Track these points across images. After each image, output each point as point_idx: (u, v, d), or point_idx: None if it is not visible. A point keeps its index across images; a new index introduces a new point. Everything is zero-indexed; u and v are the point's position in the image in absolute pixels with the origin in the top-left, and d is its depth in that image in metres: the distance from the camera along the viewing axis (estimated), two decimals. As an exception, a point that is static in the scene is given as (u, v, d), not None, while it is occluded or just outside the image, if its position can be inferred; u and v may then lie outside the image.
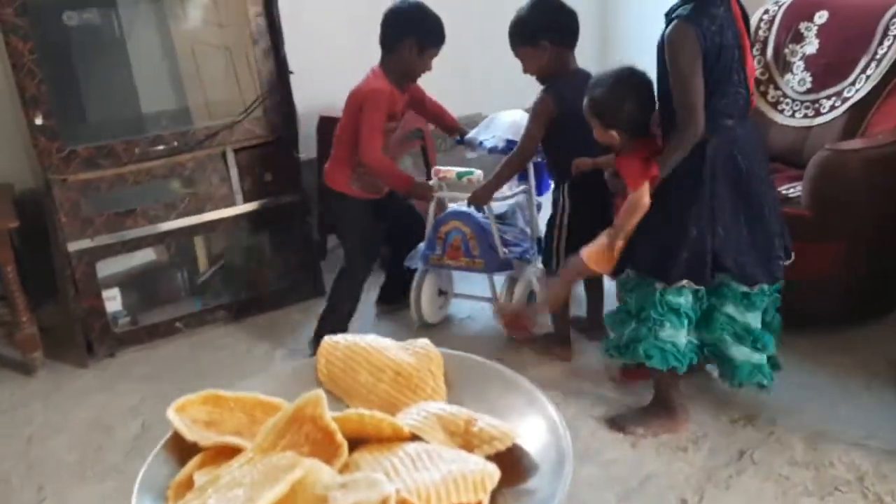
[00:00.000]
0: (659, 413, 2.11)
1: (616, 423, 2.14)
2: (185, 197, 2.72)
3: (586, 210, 2.29)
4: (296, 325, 2.90)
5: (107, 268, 2.69)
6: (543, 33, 2.22)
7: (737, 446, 2.04)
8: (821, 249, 2.38)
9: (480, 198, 2.43)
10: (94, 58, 2.72)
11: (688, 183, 1.88)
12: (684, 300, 1.94)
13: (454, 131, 2.76)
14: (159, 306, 2.88)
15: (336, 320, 2.59)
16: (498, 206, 2.57)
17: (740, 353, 2.01)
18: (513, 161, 2.35)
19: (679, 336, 1.96)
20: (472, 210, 2.52)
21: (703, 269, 1.89)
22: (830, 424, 2.10)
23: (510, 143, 2.45)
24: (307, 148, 3.46)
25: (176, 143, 2.61)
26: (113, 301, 2.73)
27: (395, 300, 2.87)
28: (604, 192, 2.19)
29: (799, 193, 2.40)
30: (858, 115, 2.66)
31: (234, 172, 2.76)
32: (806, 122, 2.81)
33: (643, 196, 1.87)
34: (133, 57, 2.84)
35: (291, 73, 2.74)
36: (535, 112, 2.26)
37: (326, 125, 3.29)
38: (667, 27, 1.84)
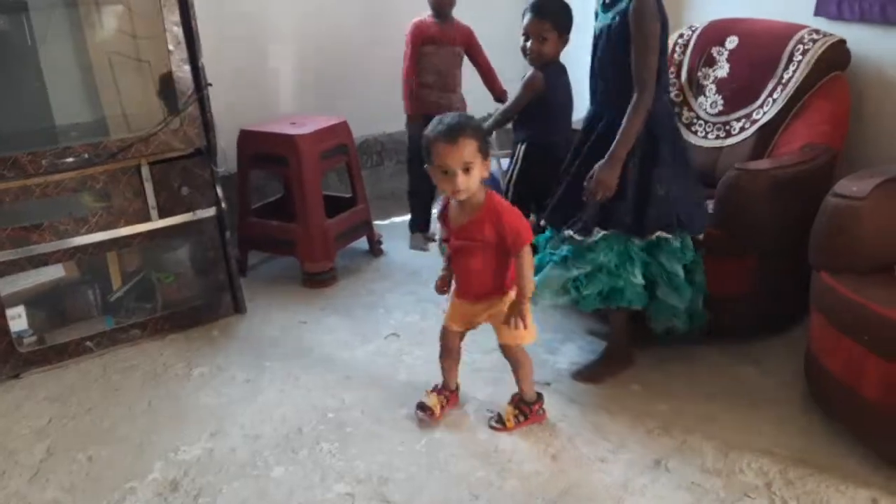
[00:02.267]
0: (616, 355, 2.50)
1: (583, 375, 2.48)
2: (98, 211, 2.62)
3: (535, 170, 2.78)
4: (214, 342, 2.82)
5: (11, 285, 2.56)
6: (570, 28, 2.68)
7: (652, 455, 2.09)
8: (733, 265, 2.49)
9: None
10: (2, 66, 2.60)
11: (646, 151, 2.20)
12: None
13: (495, 94, 3.55)
14: (68, 325, 2.76)
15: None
16: (507, 163, 3.01)
17: (665, 295, 2.33)
18: (498, 118, 2.91)
19: (640, 281, 2.30)
20: None
21: (671, 221, 2.24)
22: (740, 433, 2.18)
23: None
24: (228, 162, 3.42)
25: (87, 155, 2.51)
26: (17, 320, 2.59)
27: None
28: (553, 159, 2.56)
29: (711, 211, 2.49)
30: (766, 137, 2.80)
31: (148, 186, 2.68)
32: (718, 143, 2.93)
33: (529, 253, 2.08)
34: (45, 66, 2.73)
35: (209, 84, 2.68)
36: (527, 83, 2.73)
37: (248, 139, 3.25)
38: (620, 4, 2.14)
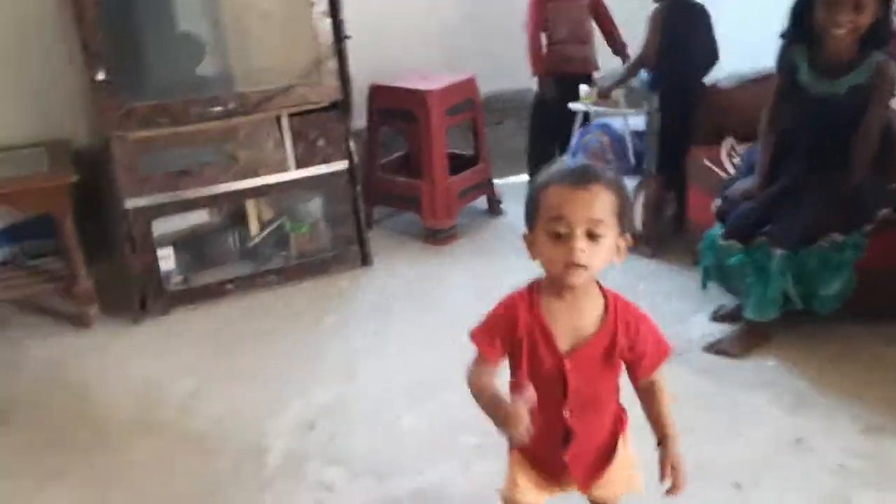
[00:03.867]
0: (754, 329, 2.38)
1: (716, 347, 2.39)
2: (240, 160, 2.73)
3: (669, 119, 2.90)
4: (343, 293, 2.91)
5: (162, 227, 2.72)
6: None
7: (793, 433, 2.00)
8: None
9: (606, 89, 3.17)
10: (157, 15, 2.72)
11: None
12: None
13: (615, 48, 3.49)
14: (211, 268, 2.91)
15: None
16: (634, 122, 3.11)
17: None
18: (634, 64, 3.05)
19: None
20: (611, 122, 3.23)
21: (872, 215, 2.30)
22: (889, 415, 2.05)
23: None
24: (358, 117, 3.46)
25: (232, 106, 2.62)
26: (167, 260, 2.76)
27: None
28: (687, 106, 2.85)
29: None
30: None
31: (287, 137, 2.76)
32: None
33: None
34: (194, 16, 2.84)
35: (348, 37, 2.71)
36: (651, 22, 2.89)
37: (378, 94, 3.29)
38: (863, 70, 2.20)
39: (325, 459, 2.01)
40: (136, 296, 2.66)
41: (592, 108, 3.26)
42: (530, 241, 1.26)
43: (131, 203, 2.55)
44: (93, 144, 2.89)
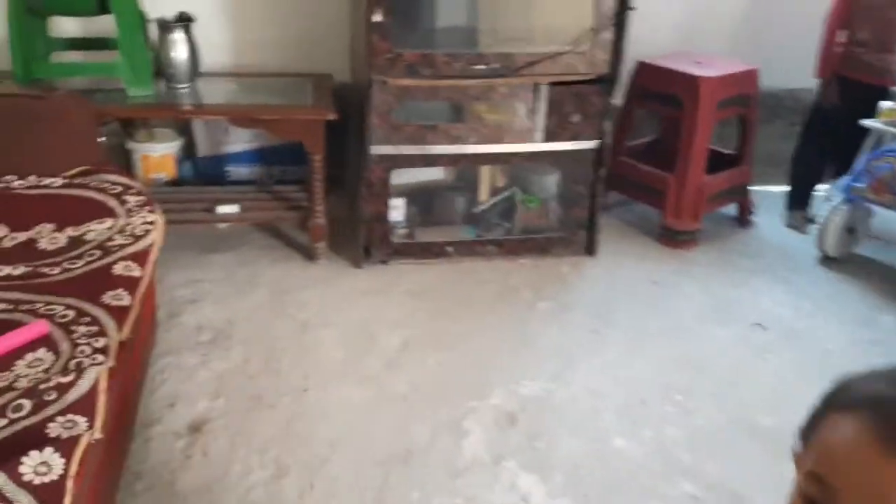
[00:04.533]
0: None
1: None
2: (489, 124, 2.61)
3: None
4: (563, 279, 2.74)
5: (397, 177, 2.69)
6: None
7: None
8: None
9: None
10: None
11: None
12: None
13: None
14: (435, 226, 2.85)
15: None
16: None
17: None
18: None
19: None
20: None
21: None
22: None
23: None
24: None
25: (496, 65, 2.48)
26: (396, 211, 2.74)
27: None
28: None
29: None
30: None
31: (542, 107, 2.59)
32: None
33: None
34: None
35: (633, 9, 2.46)
36: None
37: (644, 73, 3.01)
38: None
39: (523, 462, 1.87)
40: (362, 241, 2.67)
41: (893, 129, 2.75)
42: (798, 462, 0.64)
43: (377, 149, 2.53)
44: (350, 85, 2.91)
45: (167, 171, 2.91)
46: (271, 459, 1.84)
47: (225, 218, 2.66)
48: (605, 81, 2.58)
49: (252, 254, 2.73)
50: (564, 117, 2.62)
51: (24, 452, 1.20)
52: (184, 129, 2.95)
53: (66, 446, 1.23)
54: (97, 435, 1.30)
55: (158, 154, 2.87)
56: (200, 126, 2.95)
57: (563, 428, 1.99)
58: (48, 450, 1.21)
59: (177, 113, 2.59)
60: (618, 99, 3.10)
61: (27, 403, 1.31)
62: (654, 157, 3.14)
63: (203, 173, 3.02)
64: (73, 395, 1.35)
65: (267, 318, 2.38)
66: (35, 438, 1.25)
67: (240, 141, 3.00)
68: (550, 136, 2.64)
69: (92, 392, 1.37)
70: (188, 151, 3.00)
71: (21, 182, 2.06)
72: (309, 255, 2.71)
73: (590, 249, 2.86)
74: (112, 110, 2.45)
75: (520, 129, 2.62)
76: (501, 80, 2.52)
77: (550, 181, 2.92)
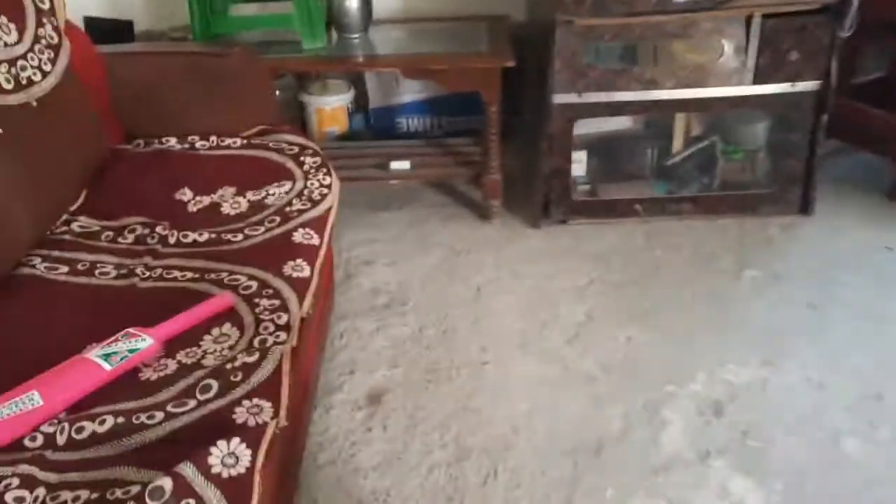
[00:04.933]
0: None
1: None
2: (688, 65, 2.29)
3: None
4: (771, 243, 2.39)
5: (578, 128, 2.44)
6: None
7: None
8: None
9: None
10: None
11: None
12: None
13: None
14: (619, 182, 2.59)
15: None
16: None
17: None
18: None
19: None
20: None
21: None
22: None
23: None
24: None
25: (699, -3, 2.15)
26: (578, 165, 2.50)
27: None
28: None
29: None
30: None
31: (753, 43, 2.23)
32: None
33: None
34: None
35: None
36: None
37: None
38: None
39: (735, 462, 1.63)
40: (540, 198, 2.47)
41: None
42: None
43: (560, 98, 2.30)
44: (525, 25, 2.67)
45: (339, 125, 2.85)
46: (451, 439, 1.73)
47: (398, 175, 2.55)
48: (834, 11, 2.16)
49: (423, 212, 2.61)
50: (780, 55, 2.24)
51: (213, 442, 1.15)
52: (355, 81, 2.87)
53: (252, 436, 1.16)
54: (282, 423, 1.23)
55: (331, 107, 2.81)
56: (372, 77, 2.85)
57: (780, 424, 1.72)
58: (235, 440, 1.15)
59: (350, 66, 2.49)
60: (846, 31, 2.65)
61: (214, 384, 1.27)
62: (883, 98, 2.65)
63: (374, 126, 2.94)
64: (257, 377, 1.28)
65: (441, 281, 2.27)
66: (222, 424, 1.20)
67: (411, 91, 2.88)
68: (762, 78, 2.27)
69: (276, 375, 1.30)
70: (359, 103, 2.92)
71: (203, 143, 2.04)
72: (482, 213, 2.56)
73: (805, 208, 2.48)
74: (288, 64, 2.38)
75: (725, 71, 2.27)
76: (705, 14, 2.18)
77: (758, 129, 2.54)
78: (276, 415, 1.23)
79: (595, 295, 2.19)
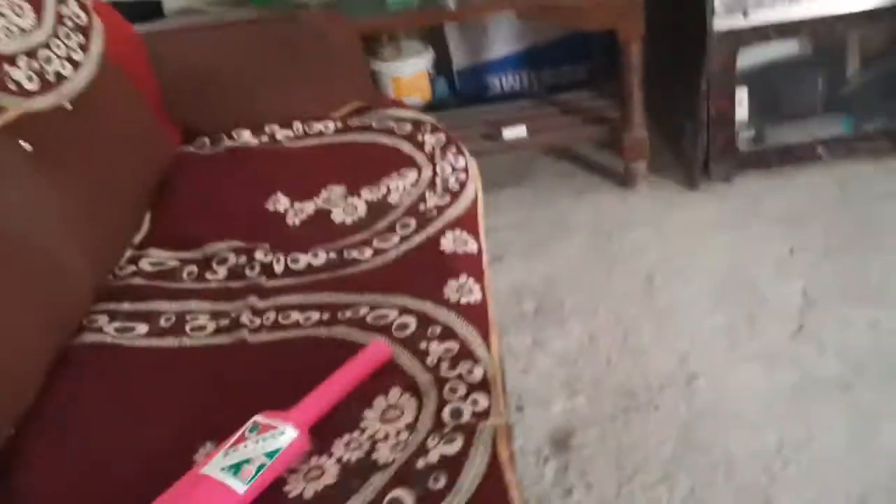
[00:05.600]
0: None
1: None
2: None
3: None
4: None
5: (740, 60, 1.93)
6: None
7: None
8: None
9: None
10: None
11: None
12: None
13: None
14: (791, 121, 2.07)
15: None
16: None
17: None
18: None
19: None
20: None
21: None
22: None
23: None
24: None
25: None
26: (740, 107, 1.99)
27: None
28: None
29: None
30: None
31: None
32: None
33: None
34: None
35: None
36: None
37: None
38: None
39: None
40: (699, 152, 1.96)
41: None
42: None
43: (723, 22, 1.78)
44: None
45: (422, 93, 2.35)
46: (686, 494, 1.27)
47: (513, 144, 2.06)
48: None
49: (548, 186, 2.13)
50: None
51: None
52: (433, 40, 2.38)
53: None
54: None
55: (410, 73, 2.32)
56: (454, 32, 2.35)
57: None
58: None
59: (451, 16, 1.95)
60: None
61: (407, 499, 0.82)
62: None
63: (461, 90, 2.45)
64: (467, 479, 0.83)
65: (597, 272, 1.79)
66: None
67: (502, 43, 2.38)
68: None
69: (494, 470, 0.85)
70: (440, 66, 2.43)
71: (286, 132, 1.58)
72: (622, 180, 2.06)
73: None
74: (373, 24, 1.89)
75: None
76: None
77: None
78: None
79: (803, 269, 1.69)
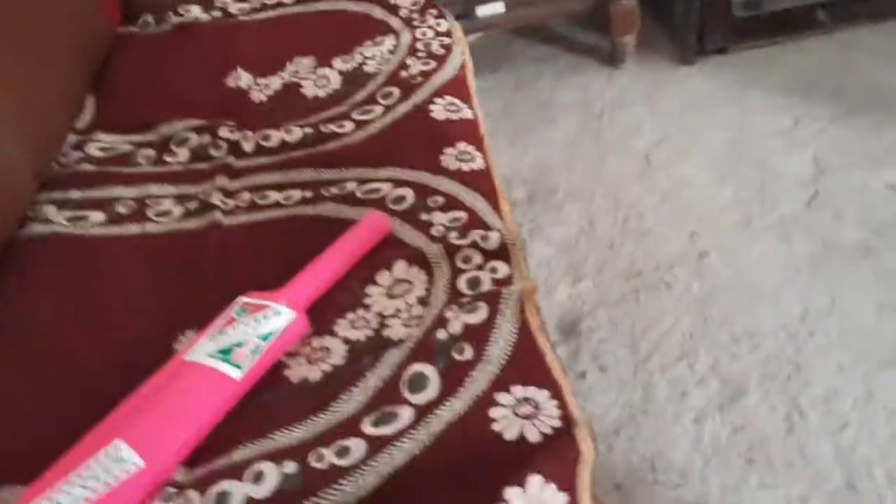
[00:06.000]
0: None
1: None
2: None
3: None
4: None
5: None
6: None
7: None
8: None
9: None
10: None
11: None
12: None
13: None
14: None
15: None
16: None
17: None
18: None
19: None
20: None
21: None
22: None
23: None
24: None
25: None
26: (733, -31, 1.84)
27: None
28: None
29: None
30: None
31: None
32: None
33: None
34: None
35: None
36: None
37: None
38: None
39: None
40: (693, 20, 1.82)
41: None
42: None
43: None
44: None
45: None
46: (708, 370, 1.18)
47: (490, 23, 1.89)
48: None
49: (529, 70, 1.97)
50: None
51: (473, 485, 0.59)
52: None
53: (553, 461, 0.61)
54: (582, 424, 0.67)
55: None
56: None
57: None
58: (533, 479, 0.59)
59: None
60: None
61: (431, 375, 0.70)
62: None
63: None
64: (497, 349, 0.72)
65: (590, 155, 1.66)
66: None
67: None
68: None
69: (526, 338, 0.73)
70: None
71: (241, 5, 1.39)
72: (610, 58, 1.91)
73: None
74: None
75: None
76: None
77: None
78: (559, 400, 0.66)
79: (811, 137, 1.59)
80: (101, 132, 1.11)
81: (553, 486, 0.58)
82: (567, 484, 0.59)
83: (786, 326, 1.22)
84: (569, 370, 1.19)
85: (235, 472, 0.64)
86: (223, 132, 1.08)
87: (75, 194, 0.99)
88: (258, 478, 0.63)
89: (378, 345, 0.74)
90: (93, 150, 1.07)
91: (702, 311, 1.27)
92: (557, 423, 0.64)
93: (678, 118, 1.71)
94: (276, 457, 0.65)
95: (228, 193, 0.98)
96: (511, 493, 0.58)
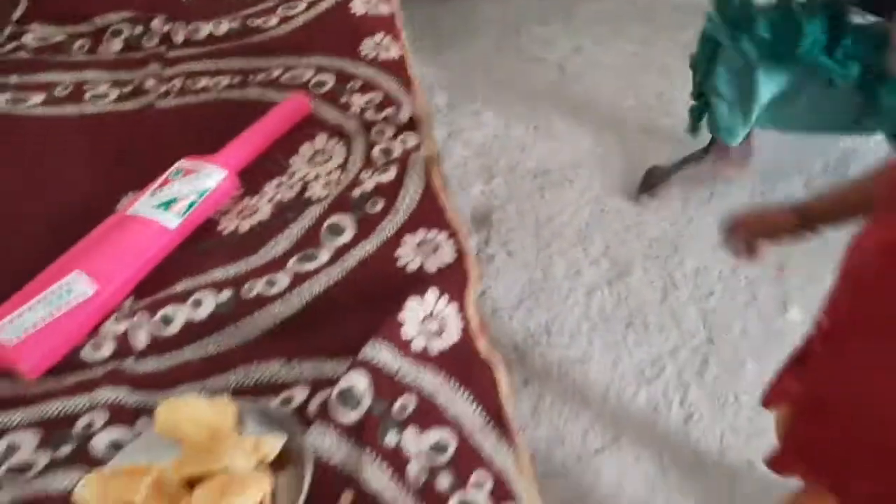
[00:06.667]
0: None
1: None
2: None
3: None
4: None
5: None
6: None
7: None
8: None
9: None
10: None
11: None
12: None
13: None
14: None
15: None
16: None
17: None
18: None
19: None
20: None
21: None
22: None
23: None
24: None
25: None
26: None
27: None
28: None
29: None
30: None
31: None
32: None
33: None
34: None
35: None
36: None
37: None
38: None
39: None
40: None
41: None
42: None
43: None
44: None
45: None
46: (600, 253, 1.34)
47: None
48: None
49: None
50: None
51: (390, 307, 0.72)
52: None
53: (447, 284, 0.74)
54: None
55: None
56: None
57: None
58: (428, 293, 0.72)
59: None
60: None
61: (347, 222, 0.82)
62: None
63: None
64: (405, 202, 0.84)
65: (508, 65, 1.78)
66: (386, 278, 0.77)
67: None
68: None
69: (429, 194, 0.85)
70: None
71: None
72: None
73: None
74: None
75: None
76: None
77: None
78: (455, 240, 0.79)
79: None
80: (36, 23, 1.16)
81: (446, 297, 0.72)
82: (457, 297, 0.73)
83: (671, 215, 1.38)
84: (480, 254, 1.33)
85: (178, 299, 0.75)
86: (156, 24, 1.14)
87: (14, 79, 1.05)
88: (197, 304, 0.75)
89: (300, 202, 0.85)
90: (29, 39, 1.12)
91: (599, 203, 1.42)
92: (454, 256, 0.77)
93: (591, 32, 1.83)
94: (214, 287, 0.76)
95: (162, 79, 1.06)
96: (411, 301, 0.70)
